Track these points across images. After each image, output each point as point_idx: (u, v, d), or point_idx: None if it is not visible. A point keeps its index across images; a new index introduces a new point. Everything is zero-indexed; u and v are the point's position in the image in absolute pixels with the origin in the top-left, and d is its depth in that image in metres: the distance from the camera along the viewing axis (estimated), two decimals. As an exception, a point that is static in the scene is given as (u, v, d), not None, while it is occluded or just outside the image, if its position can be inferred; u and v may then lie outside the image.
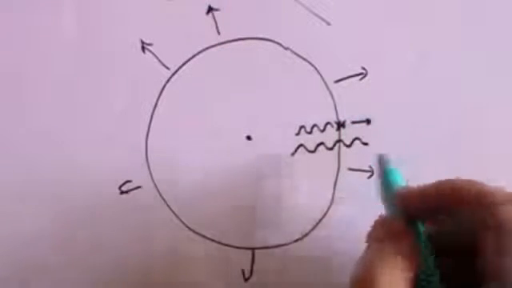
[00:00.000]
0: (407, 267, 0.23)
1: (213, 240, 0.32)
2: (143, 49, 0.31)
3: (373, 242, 0.25)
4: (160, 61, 0.31)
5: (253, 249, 0.32)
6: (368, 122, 0.32)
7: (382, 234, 0.26)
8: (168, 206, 0.32)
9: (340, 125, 0.32)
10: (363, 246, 0.31)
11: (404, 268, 0.23)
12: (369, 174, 0.32)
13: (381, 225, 0.26)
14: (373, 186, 0.31)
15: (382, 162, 0.29)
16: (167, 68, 0.31)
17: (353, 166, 0.32)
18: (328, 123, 0.32)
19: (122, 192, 0.31)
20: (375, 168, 0.30)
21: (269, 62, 0.32)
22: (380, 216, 0.27)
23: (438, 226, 0.26)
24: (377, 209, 0.31)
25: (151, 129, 0.31)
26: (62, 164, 0.31)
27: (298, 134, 0.32)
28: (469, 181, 0.25)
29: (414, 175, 0.31)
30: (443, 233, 0.26)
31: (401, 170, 0.28)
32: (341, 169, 0.32)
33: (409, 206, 0.26)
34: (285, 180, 0.32)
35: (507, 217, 0.22)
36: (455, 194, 0.24)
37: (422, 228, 0.26)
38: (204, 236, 0.32)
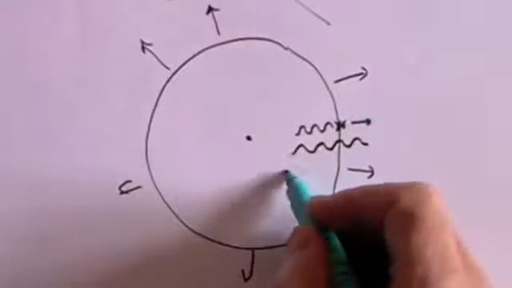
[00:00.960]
0: (315, 274, 0.24)
1: (213, 240, 0.32)
2: (143, 49, 0.31)
3: (286, 252, 0.26)
4: (160, 61, 0.31)
5: (253, 249, 0.32)
6: (368, 122, 0.32)
7: (293, 244, 0.26)
8: (168, 205, 0.32)
9: (340, 125, 0.32)
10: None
11: (309, 277, 0.24)
12: (369, 174, 0.32)
13: (292, 235, 0.27)
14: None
15: (288, 177, 0.31)
16: (167, 68, 0.31)
17: (353, 166, 0.32)
18: (328, 123, 0.32)
19: (122, 192, 0.31)
20: (286, 183, 0.31)
21: (269, 62, 0.32)
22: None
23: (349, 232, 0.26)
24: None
25: (151, 129, 0.31)
26: (61, 164, 0.31)
27: (298, 134, 0.32)
28: (370, 185, 0.25)
29: (414, 175, 0.32)
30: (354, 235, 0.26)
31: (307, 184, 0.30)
32: (341, 169, 0.32)
33: (319, 213, 0.26)
34: (285, 180, 0.32)
35: (404, 206, 0.23)
36: (358, 195, 0.25)
37: (333, 235, 0.26)
38: (204, 236, 0.32)
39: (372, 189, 0.25)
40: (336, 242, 0.26)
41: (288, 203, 0.31)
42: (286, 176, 0.31)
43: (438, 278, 0.21)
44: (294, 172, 0.31)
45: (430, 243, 0.21)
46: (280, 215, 0.32)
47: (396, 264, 0.22)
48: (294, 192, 0.30)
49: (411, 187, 0.23)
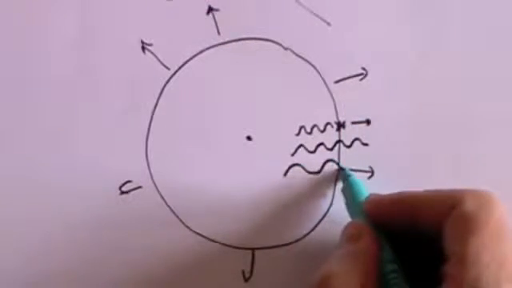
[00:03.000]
0: (363, 268, 0.24)
1: (213, 240, 0.32)
2: (143, 49, 0.31)
3: (340, 245, 0.27)
4: (160, 61, 0.31)
5: (253, 249, 0.32)
6: (368, 122, 0.32)
7: (345, 236, 0.27)
8: (168, 205, 0.32)
9: (340, 125, 0.32)
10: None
11: (359, 270, 0.24)
12: (369, 174, 0.32)
13: (345, 228, 0.27)
14: (373, 186, 0.32)
15: (345, 175, 0.31)
16: (167, 68, 0.31)
17: (353, 167, 0.32)
18: (328, 123, 0.32)
19: (122, 192, 0.31)
20: (342, 182, 0.31)
21: (269, 62, 0.32)
22: None
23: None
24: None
25: (151, 129, 0.31)
26: (61, 164, 0.31)
27: (298, 134, 0.32)
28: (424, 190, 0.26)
29: (414, 175, 0.32)
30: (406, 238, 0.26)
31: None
32: (340, 169, 0.32)
33: (375, 211, 0.27)
34: (285, 180, 0.32)
35: (468, 210, 0.23)
36: (418, 197, 0.25)
37: (384, 235, 0.26)
38: (204, 236, 0.32)
39: (435, 191, 0.25)
40: (386, 241, 0.26)
41: (290, 204, 0.31)
42: (341, 173, 0.31)
43: (491, 284, 0.21)
44: (348, 170, 0.31)
45: (488, 249, 0.22)
46: (280, 215, 0.32)
47: (450, 264, 0.22)
48: (350, 190, 0.30)
49: (477, 192, 0.24)
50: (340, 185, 0.32)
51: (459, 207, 0.23)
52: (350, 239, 0.26)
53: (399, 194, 0.27)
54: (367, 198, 0.28)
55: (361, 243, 0.26)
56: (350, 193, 0.30)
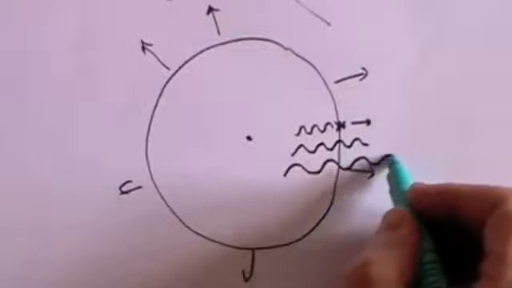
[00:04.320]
0: (402, 255, 0.24)
1: (213, 240, 0.32)
2: (143, 49, 0.31)
3: (381, 230, 0.26)
4: (160, 61, 0.31)
5: (253, 249, 0.32)
6: (368, 122, 0.32)
7: (385, 223, 0.26)
8: (168, 205, 0.32)
9: (340, 125, 0.32)
10: (363, 246, 0.31)
11: (398, 257, 0.24)
12: (369, 174, 0.32)
13: (390, 213, 0.27)
14: (373, 186, 0.32)
15: (391, 161, 0.30)
16: (167, 68, 0.31)
17: (353, 167, 0.32)
18: (328, 123, 0.32)
19: (122, 192, 0.31)
20: (387, 168, 0.31)
21: (269, 62, 0.32)
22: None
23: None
24: (376, 209, 0.31)
25: (151, 129, 0.31)
26: (61, 164, 0.31)
27: (298, 134, 0.32)
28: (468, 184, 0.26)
29: (415, 175, 0.32)
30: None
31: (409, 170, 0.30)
32: (341, 169, 0.32)
33: (419, 199, 0.27)
34: (285, 180, 0.32)
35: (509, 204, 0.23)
36: (462, 190, 0.25)
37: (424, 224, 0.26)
38: (204, 236, 0.32)
39: (480, 186, 0.25)
40: (427, 230, 0.26)
41: (289, 204, 0.31)
42: (388, 160, 0.31)
43: None
44: (395, 156, 0.31)
45: None
46: (280, 215, 0.32)
47: (488, 262, 0.22)
48: (395, 177, 0.30)
49: None
50: (339, 184, 0.32)
51: (503, 206, 0.23)
52: (390, 226, 0.26)
53: (444, 185, 0.27)
54: (411, 186, 0.28)
55: (401, 230, 0.25)
56: (394, 180, 0.30)
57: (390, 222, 0.26)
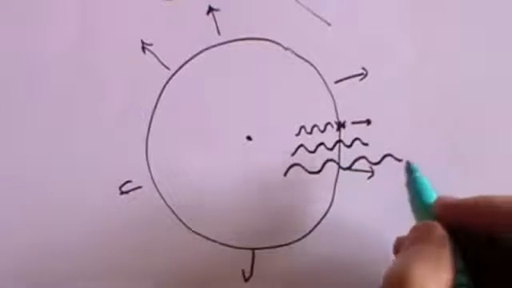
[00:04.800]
0: (445, 272, 0.22)
1: (213, 240, 0.32)
2: (143, 49, 0.31)
3: (411, 243, 0.25)
4: (160, 61, 0.31)
5: (253, 249, 0.32)
6: (368, 122, 0.32)
7: (424, 236, 0.25)
8: (168, 205, 0.32)
9: (340, 125, 0.32)
10: (363, 246, 0.31)
11: (442, 272, 0.22)
12: (369, 174, 0.32)
13: (422, 227, 0.25)
14: (373, 186, 0.32)
15: (409, 169, 0.29)
16: (167, 68, 0.31)
17: (353, 167, 0.32)
18: (328, 123, 0.32)
19: (122, 192, 0.31)
20: (405, 176, 0.29)
21: (269, 62, 0.32)
22: (400, 239, 0.27)
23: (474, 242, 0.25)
24: (377, 209, 0.31)
25: (151, 129, 0.31)
26: (61, 164, 0.31)
27: (298, 134, 0.32)
28: (507, 196, 0.24)
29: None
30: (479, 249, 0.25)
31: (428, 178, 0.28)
32: (341, 169, 0.32)
33: (447, 216, 0.25)
34: (285, 180, 0.32)
35: None
36: (492, 209, 0.24)
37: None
38: (204, 236, 0.32)
39: (500, 199, 0.24)
40: (457, 247, 0.24)
41: (290, 204, 0.31)
42: (407, 166, 0.29)
43: None
44: (414, 164, 0.29)
45: None
46: (280, 215, 0.32)
47: None
48: (417, 187, 0.28)
49: None
50: (339, 184, 0.32)
51: None
52: (421, 240, 0.24)
53: (474, 200, 0.25)
54: (437, 200, 0.26)
55: (435, 244, 0.24)
56: (414, 190, 0.28)
57: (422, 235, 0.25)
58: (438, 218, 0.26)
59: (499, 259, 0.24)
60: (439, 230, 0.24)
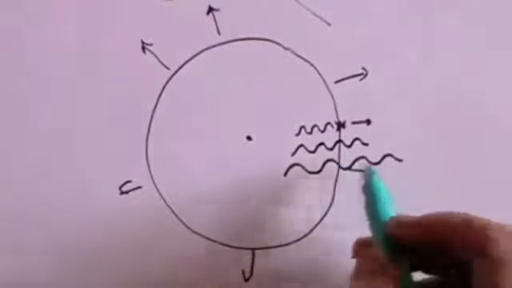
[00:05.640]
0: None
1: (213, 240, 0.32)
2: (143, 49, 0.31)
3: (359, 275, 0.26)
4: (160, 61, 0.31)
5: (253, 249, 0.32)
6: (368, 122, 0.32)
7: (368, 266, 0.26)
8: (168, 205, 0.32)
9: (340, 125, 0.32)
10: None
11: None
12: (369, 174, 0.32)
13: (366, 258, 0.26)
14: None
15: (367, 173, 0.29)
16: (167, 68, 0.31)
17: (353, 167, 0.32)
18: (328, 123, 0.32)
19: (122, 192, 0.31)
20: (363, 179, 0.29)
21: (269, 62, 0.32)
22: (359, 241, 0.28)
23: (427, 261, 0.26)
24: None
25: (151, 129, 0.31)
26: (61, 164, 0.31)
27: (298, 134, 0.32)
28: (457, 213, 0.24)
29: (415, 175, 0.32)
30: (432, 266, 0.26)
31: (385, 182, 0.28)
32: (341, 169, 0.32)
33: (400, 236, 0.25)
34: (285, 180, 0.32)
35: (498, 248, 0.22)
36: (444, 225, 0.24)
37: (405, 259, 0.25)
38: (204, 236, 0.32)
39: (463, 220, 0.24)
40: (406, 268, 0.25)
41: (290, 204, 0.31)
42: (364, 171, 0.29)
43: None
44: (373, 168, 0.29)
45: None
46: (280, 215, 0.32)
47: None
48: (373, 194, 0.28)
49: (508, 232, 0.22)
50: (339, 184, 0.32)
51: (492, 250, 0.22)
52: (378, 271, 0.25)
53: (428, 218, 0.25)
54: (392, 219, 0.26)
55: (389, 279, 0.24)
56: (371, 197, 0.28)
57: (369, 268, 0.26)
58: (392, 235, 0.26)
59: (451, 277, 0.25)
60: (382, 258, 0.25)
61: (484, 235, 0.22)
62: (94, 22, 0.31)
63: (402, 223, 0.26)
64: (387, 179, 0.31)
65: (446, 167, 0.32)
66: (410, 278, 0.25)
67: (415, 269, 0.25)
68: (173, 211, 0.32)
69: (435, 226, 0.24)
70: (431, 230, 0.24)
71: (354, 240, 0.28)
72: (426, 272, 0.26)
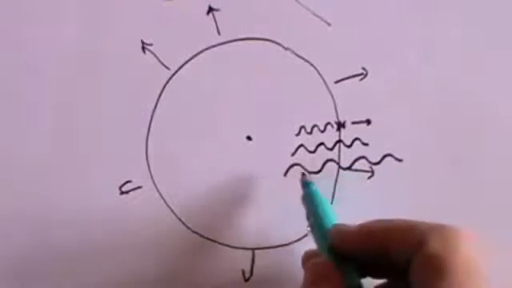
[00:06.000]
0: None
1: (213, 240, 0.32)
2: (143, 49, 0.31)
3: (306, 285, 0.26)
4: (160, 61, 0.31)
5: (253, 249, 0.32)
6: (368, 122, 0.32)
7: (314, 277, 0.26)
8: (168, 206, 0.32)
9: (340, 125, 0.32)
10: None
11: None
12: (369, 174, 0.32)
13: (313, 267, 0.26)
14: (373, 186, 0.32)
15: (305, 183, 0.29)
16: (167, 68, 0.31)
17: (353, 167, 0.32)
18: (328, 123, 0.32)
19: (122, 192, 0.31)
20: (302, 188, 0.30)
21: (269, 62, 0.32)
22: (307, 253, 0.28)
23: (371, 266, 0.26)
24: (377, 209, 0.31)
25: (151, 129, 0.31)
26: (61, 164, 0.31)
27: (298, 134, 0.32)
28: (399, 219, 0.24)
29: (415, 175, 0.32)
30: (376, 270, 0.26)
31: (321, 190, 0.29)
32: (341, 169, 0.32)
33: (341, 245, 0.26)
34: (285, 180, 0.32)
35: (433, 251, 0.22)
36: (385, 231, 0.24)
37: (350, 265, 0.25)
38: (204, 236, 0.32)
39: (400, 225, 0.24)
40: (353, 275, 0.25)
41: (289, 204, 0.31)
42: (302, 179, 0.30)
43: None
44: (309, 178, 0.30)
45: None
46: (280, 215, 0.32)
47: None
48: (312, 202, 0.29)
49: (441, 230, 0.22)
50: (339, 184, 0.32)
51: (423, 247, 0.22)
52: (313, 283, 0.25)
53: (367, 225, 0.25)
54: (333, 228, 0.26)
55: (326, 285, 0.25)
56: (311, 206, 0.28)
57: (313, 278, 0.25)
58: (334, 244, 0.26)
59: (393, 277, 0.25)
60: (331, 271, 0.25)
61: (419, 234, 0.22)
62: (94, 22, 0.31)
63: (342, 232, 0.26)
64: (387, 179, 0.32)
65: (446, 167, 0.32)
66: (357, 284, 0.25)
67: (364, 275, 0.25)
68: (173, 211, 0.32)
69: (374, 233, 0.24)
70: (370, 236, 0.24)
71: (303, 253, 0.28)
72: (376, 277, 0.26)
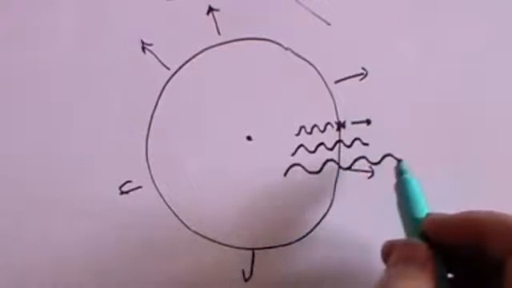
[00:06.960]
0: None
1: (213, 240, 0.32)
2: (143, 49, 0.31)
3: (395, 263, 0.25)
4: (160, 61, 0.31)
5: (253, 249, 0.32)
6: (368, 122, 0.32)
7: (405, 256, 0.25)
8: (168, 205, 0.32)
9: (340, 125, 0.32)
10: (363, 246, 0.31)
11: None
12: (369, 174, 0.32)
13: (404, 247, 0.25)
14: (373, 186, 0.32)
15: (399, 170, 0.29)
16: (167, 68, 0.31)
17: (353, 167, 0.32)
18: (328, 123, 0.32)
19: (122, 192, 0.31)
20: (395, 175, 0.29)
21: (269, 62, 0.32)
22: (388, 242, 0.27)
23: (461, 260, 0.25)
24: (377, 209, 0.31)
25: (151, 129, 0.31)
26: (61, 164, 0.31)
27: (298, 134, 0.32)
28: (499, 212, 0.24)
29: (415, 176, 0.32)
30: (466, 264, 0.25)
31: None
32: (341, 169, 0.32)
33: (436, 234, 0.25)
34: (285, 180, 0.32)
35: None
36: (483, 222, 0.24)
37: (439, 256, 0.25)
38: (204, 236, 0.32)
39: (501, 217, 0.23)
40: (441, 258, 0.25)
41: (290, 204, 0.31)
42: (396, 167, 0.29)
43: None
44: (405, 164, 0.29)
45: None
46: (280, 215, 0.32)
47: None
48: (405, 192, 0.28)
49: None
50: (339, 184, 0.32)
51: None
52: (416, 261, 0.24)
53: (463, 215, 0.25)
54: (427, 216, 0.26)
55: (427, 271, 0.24)
56: (404, 195, 0.28)
57: (416, 258, 0.24)
58: (427, 234, 0.26)
59: (486, 275, 0.24)
60: (423, 251, 0.24)
61: None
62: (94, 22, 0.31)
63: (436, 219, 0.25)
64: (387, 179, 0.32)
65: (446, 167, 0.32)
66: (443, 274, 0.24)
67: (449, 270, 0.25)
68: (173, 211, 0.32)
69: (471, 221, 0.24)
70: (465, 228, 0.24)
71: (382, 244, 0.27)
72: (460, 273, 0.26)
